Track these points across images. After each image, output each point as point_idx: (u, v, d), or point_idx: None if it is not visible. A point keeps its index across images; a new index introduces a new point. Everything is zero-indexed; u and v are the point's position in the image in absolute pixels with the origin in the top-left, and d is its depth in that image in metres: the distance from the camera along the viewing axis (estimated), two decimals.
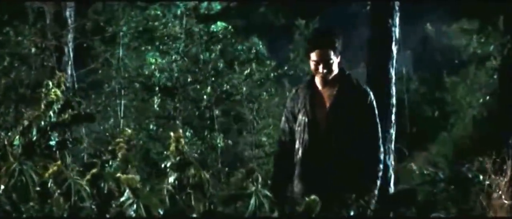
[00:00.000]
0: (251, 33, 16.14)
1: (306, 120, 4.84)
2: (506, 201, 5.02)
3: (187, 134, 10.88)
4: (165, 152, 9.84)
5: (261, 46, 13.87)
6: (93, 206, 3.52)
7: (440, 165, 14.98)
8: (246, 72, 12.07)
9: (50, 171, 3.53)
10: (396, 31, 7.96)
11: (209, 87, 11.47)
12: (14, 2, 11.37)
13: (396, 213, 3.28)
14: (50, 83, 4.63)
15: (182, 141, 3.41)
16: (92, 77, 12.60)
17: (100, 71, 12.47)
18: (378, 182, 4.78)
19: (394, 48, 7.96)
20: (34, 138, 4.40)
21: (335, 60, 4.82)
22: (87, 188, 3.57)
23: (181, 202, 3.35)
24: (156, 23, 12.29)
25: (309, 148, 4.81)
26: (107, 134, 11.19)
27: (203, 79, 11.68)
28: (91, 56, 12.46)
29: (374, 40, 8.13)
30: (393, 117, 7.92)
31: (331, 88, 4.85)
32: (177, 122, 11.52)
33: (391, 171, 7.71)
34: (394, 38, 7.95)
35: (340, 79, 4.85)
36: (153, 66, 12.12)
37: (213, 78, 11.69)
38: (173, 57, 11.84)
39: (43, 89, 4.63)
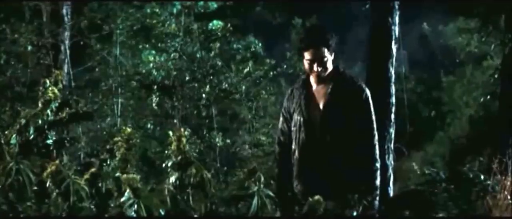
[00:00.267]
0: (248, 32, 16.10)
1: (301, 119, 4.78)
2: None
3: (186, 132, 10.79)
4: (163, 151, 9.78)
5: (258, 45, 13.81)
6: (92, 206, 3.46)
7: (437, 164, 14.99)
8: (246, 70, 12.03)
9: (48, 170, 3.46)
10: (396, 29, 7.92)
11: (208, 86, 11.41)
12: (11, 0, 11.32)
13: (403, 214, 3.22)
14: (47, 81, 4.59)
15: (184, 139, 3.35)
16: (89, 75, 12.55)
17: (97, 70, 12.41)
18: (376, 181, 4.70)
19: (394, 47, 7.91)
20: (31, 136, 4.35)
21: (329, 58, 4.75)
22: (86, 188, 3.51)
23: (182, 202, 3.29)
24: (154, 21, 12.23)
25: (305, 148, 4.75)
26: (104, 132, 11.12)
27: (201, 78, 11.61)
28: (88, 55, 12.40)
29: (373, 39, 8.08)
30: (392, 116, 7.87)
31: (326, 86, 4.77)
32: (175, 121, 11.47)
33: (390, 171, 7.66)
34: (393, 37, 7.90)
35: (335, 76, 4.78)
36: (151, 64, 12.06)
37: (211, 77, 11.63)
38: (172, 55, 11.77)
39: (40, 88, 4.58)
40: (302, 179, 4.81)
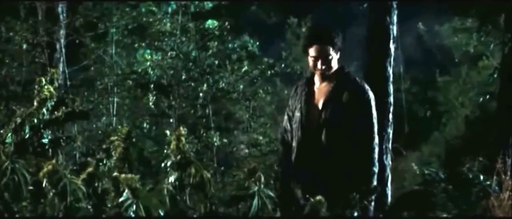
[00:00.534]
0: (242, 32, 16.07)
1: (300, 116, 4.74)
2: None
3: (183, 132, 10.69)
4: (159, 151, 9.74)
5: (256, 44, 13.77)
6: (89, 207, 3.41)
7: (433, 165, 14.97)
8: (244, 69, 11.99)
9: (45, 170, 3.40)
10: (394, 29, 7.87)
11: (205, 85, 11.36)
12: None
13: (407, 215, 3.17)
14: (43, 79, 4.55)
15: (183, 139, 3.29)
16: (84, 74, 12.49)
17: (92, 69, 12.35)
18: (373, 181, 4.64)
19: (392, 46, 7.87)
20: (27, 135, 4.31)
21: (334, 56, 4.70)
22: (83, 188, 3.45)
23: (181, 202, 3.23)
24: (150, 20, 12.18)
25: (302, 146, 4.70)
26: (100, 132, 11.07)
27: (198, 77, 11.56)
28: (83, 53, 12.33)
29: (371, 38, 8.03)
30: (390, 116, 7.82)
31: (328, 85, 4.71)
32: (171, 120, 11.42)
33: (388, 171, 7.61)
34: (391, 36, 7.86)
35: (338, 76, 4.73)
36: (148, 63, 12.00)
37: (208, 76, 11.59)
38: (169, 54, 11.71)
39: (36, 86, 4.54)
40: (298, 178, 4.75)
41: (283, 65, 14.63)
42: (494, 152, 9.98)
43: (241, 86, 11.98)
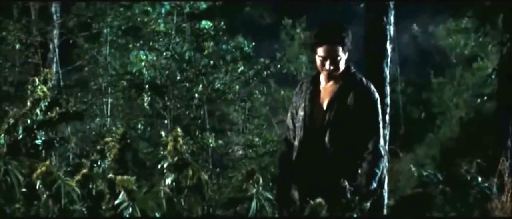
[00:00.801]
0: (236, 33, 16.03)
1: (303, 115, 4.63)
2: None
3: (179, 133, 10.61)
4: (154, 152, 9.69)
5: (251, 44, 13.70)
6: (84, 209, 3.34)
7: (427, 167, 14.95)
8: (240, 69, 11.92)
9: (38, 171, 3.34)
10: (391, 29, 7.82)
11: (200, 86, 11.29)
12: None
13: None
14: (36, 80, 4.50)
15: (180, 140, 3.22)
16: (78, 75, 12.41)
17: (86, 69, 12.26)
18: (373, 183, 4.55)
19: (389, 47, 7.82)
20: (20, 136, 4.26)
21: (343, 57, 4.56)
22: (78, 190, 3.39)
23: (178, 205, 3.16)
24: (145, 20, 12.12)
25: (304, 145, 4.59)
26: (94, 133, 10.99)
27: (193, 77, 11.50)
28: (77, 54, 12.26)
29: (368, 39, 7.97)
30: (387, 117, 7.77)
31: (334, 85, 4.56)
32: (166, 121, 11.35)
33: (385, 172, 7.55)
34: (388, 37, 7.80)
35: (345, 76, 4.60)
36: (143, 63, 11.92)
37: (203, 77, 11.53)
38: (164, 54, 11.64)
39: (29, 86, 4.50)
40: (298, 178, 4.65)
41: (279, 66, 14.55)
42: (491, 154, 10.00)
43: (237, 87, 11.92)
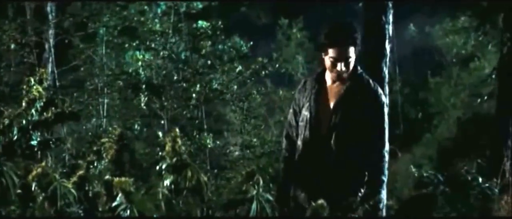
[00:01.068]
0: (233, 33, 16.00)
1: (309, 115, 4.52)
2: None
3: (178, 133, 10.52)
4: (151, 153, 9.61)
5: (249, 44, 13.66)
6: (81, 211, 3.28)
7: (425, 167, 14.91)
8: (238, 69, 11.86)
9: (34, 173, 3.28)
10: (390, 28, 7.73)
11: (198, 85, 11.23)
12: None
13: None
14: (32, 80, 4.45)
15: (179, 140, 3.15)
16: (74, 75, 12.35)
17: (82, 69, 12.20)
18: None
19: (388, 46, 7.74)
20: (15, 137, 4.22)
21: (353, 57, 4.48)
22: (74, 191, 3.32)
23: (177, 207, 3.10)
24: (142, 19, 12.07)
25: (308, 146, 4.49)
26: (90, 133, 10.92)
27: (190, 77, 11.44)
28: (73, 54, 12.20)
29: (367, 38, 7.88)
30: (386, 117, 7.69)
31: (341, 85, 4.43)
32: (162, 122, 11.29)
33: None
34: (387, 36, 7.72)
35: (352, 77, 4.42)
36: (139, 63, 11.86)
37: (200, 76, 11.47)
38: (161, 53, 11.59)
39: (24, 86, 4.45)
40: (301, 178, 4.56)
41: (277, 65, 14.49)
42: (490, 154, 9.96)
43: (235, 87, 11.86)
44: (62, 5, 11.54)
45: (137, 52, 12.38)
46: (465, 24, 15.75)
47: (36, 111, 4.36)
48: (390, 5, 7.72)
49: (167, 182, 3.16)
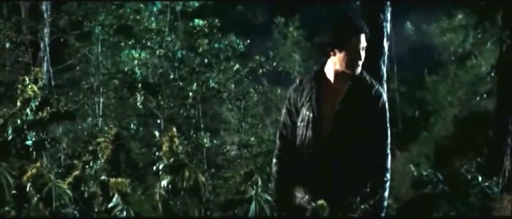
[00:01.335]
0: (229, 32, 15.97)
1: (311, 115, 4.43)
2: None
3: (175, 133, 10.47)
4: (147, 153, 9.57)
5: (246, 42, 13.61)
6: (76, 212, 3.23)
7: (422, 166, 14.89)
8: (235, 68, 11.83)
9: (29, 173, 3.23)
10: (388, 26, 7.69)
11: (194, 84, 11.19)
12: None
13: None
14: (27, 79, 4.41)
15: (176, 140, 3.10)
16: (69, 74, 12.31)
17: (77, 68, 12.16)
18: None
19: (386, 44, 7.69)
20: (10, 137, 4.18)
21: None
22: (69, 192, 3.28)
23: (175, 207, 3.05)
24: (138, 17, 12.04)
25: (311, 146, 4.42)
26: (85, 133, 10.86)
27: (187, 76, 11.41)
28: (68, 53, 12.16)
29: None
30: None
31: (343, 84, 4.37)
32: (159, 121, 11.26)
33: None
34: (385, 34, 7.68)
35: (353, 75, 4.36)
36: (135, 61, 11.83)
37: (196, 75, 11.44)
38: (157, 52, 11.56)
39: (19, 86, 4.41)
40: (303, 180, 4.49)
41: (274, 63, 14.45)
42: (488, 152, 9.94)
43: (232, 86, 11.83)
44: (58, 4, 11.48)
45: (133, 51, 12.35)
46: (462, 22, 15.73)
47: (31, 110, 4.33)
48: (388, 3, 7.68)
49: (164, 183, 3.11)
